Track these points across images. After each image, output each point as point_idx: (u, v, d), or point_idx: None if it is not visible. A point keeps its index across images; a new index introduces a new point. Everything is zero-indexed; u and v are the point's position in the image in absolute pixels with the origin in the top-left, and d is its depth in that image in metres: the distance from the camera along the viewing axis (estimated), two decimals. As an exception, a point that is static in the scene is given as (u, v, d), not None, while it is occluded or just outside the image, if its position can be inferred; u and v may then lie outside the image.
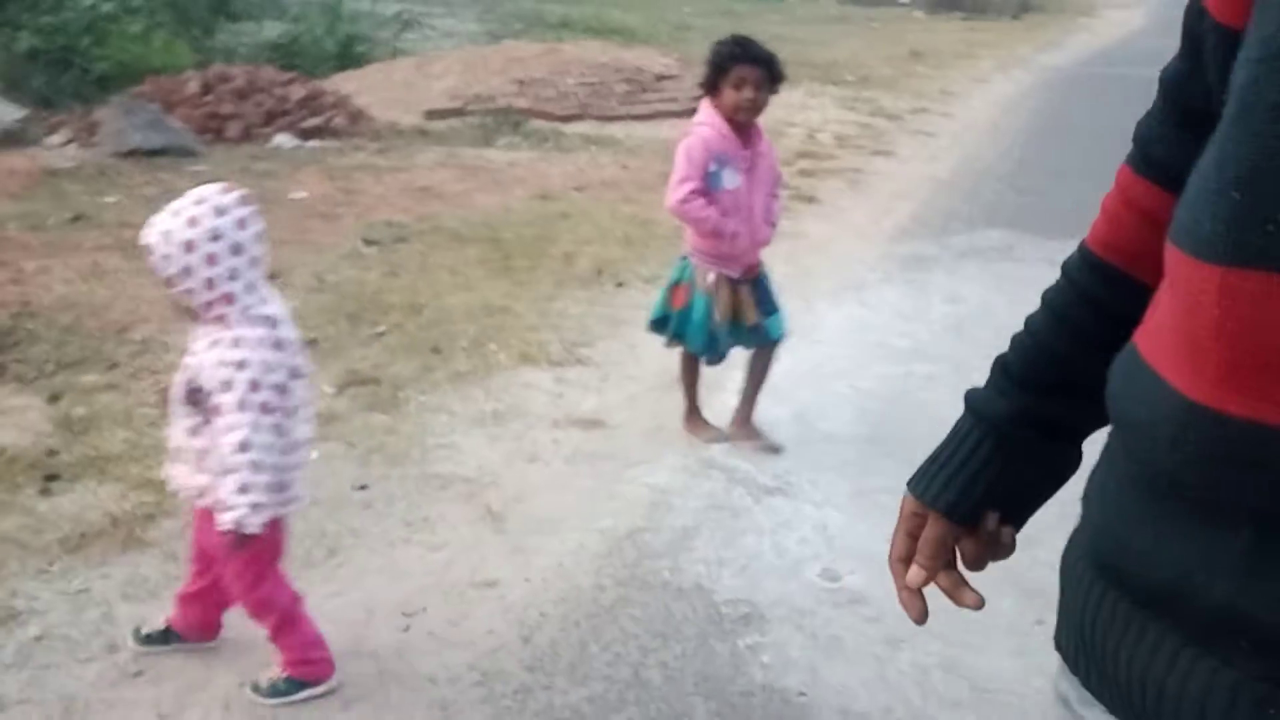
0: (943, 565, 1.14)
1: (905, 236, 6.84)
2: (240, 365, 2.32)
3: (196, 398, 2.37)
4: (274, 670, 2.63)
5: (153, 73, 9.99)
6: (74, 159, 7.73)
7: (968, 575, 1.15)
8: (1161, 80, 1.02)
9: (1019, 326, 1.15)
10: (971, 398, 1.16)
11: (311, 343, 4.58)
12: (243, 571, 2.53)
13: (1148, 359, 0.85)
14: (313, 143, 8.58)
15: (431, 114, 9.59)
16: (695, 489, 3.65)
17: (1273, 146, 0.73)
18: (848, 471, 3.78)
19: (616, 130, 9.45)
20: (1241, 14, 0.84)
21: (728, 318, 3.73)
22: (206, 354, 2.35)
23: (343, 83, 10.38)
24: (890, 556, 1.17)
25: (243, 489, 2.31)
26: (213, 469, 2.36)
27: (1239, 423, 0.75)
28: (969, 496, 1.11)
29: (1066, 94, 12.81)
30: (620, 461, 3.83)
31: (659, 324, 3.86)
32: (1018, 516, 1.14)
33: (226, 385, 2.32)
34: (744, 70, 3.54)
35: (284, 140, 8.51)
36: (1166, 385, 0.81)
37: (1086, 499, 0.94)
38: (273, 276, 5.38)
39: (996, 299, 5.57)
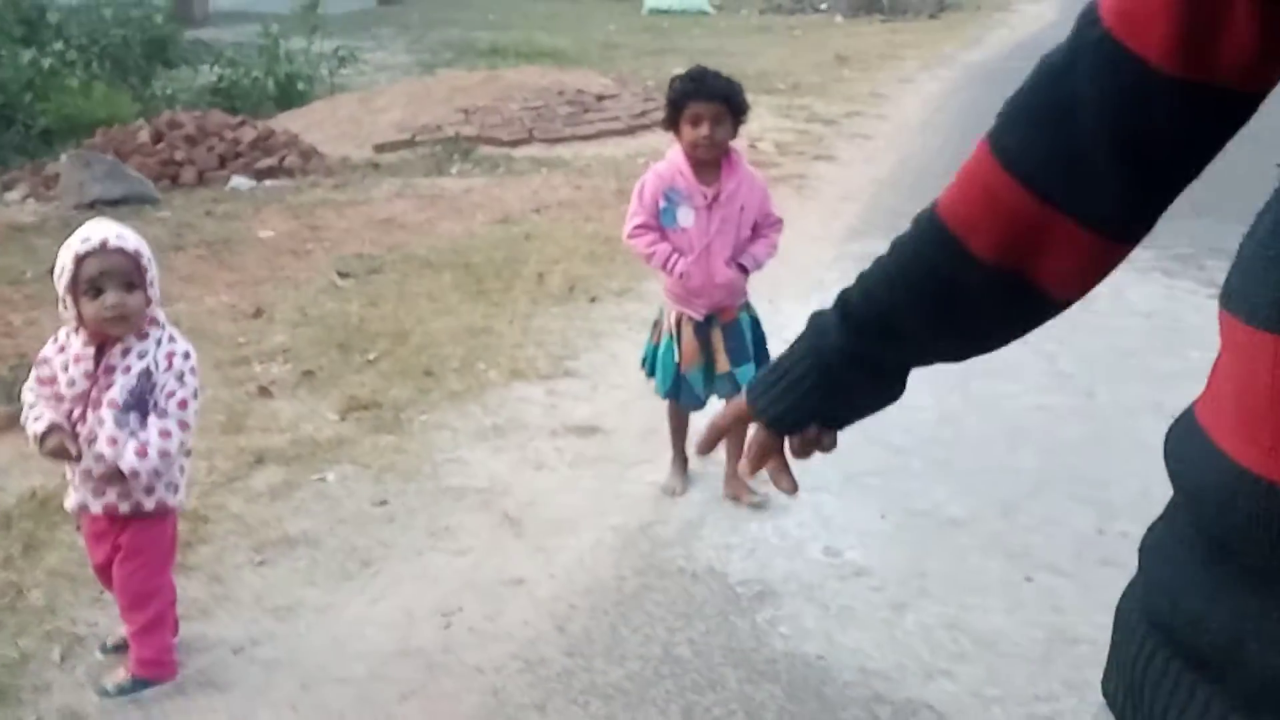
0: (770, 458, 1.28)
1: (856, 236, 7.14)
2: (187, 356, 2.65)
3: (145, 393, 2.60)
4: (120, 673, 2.83)
5: (97, 124, 10.09)
6: (35, 213, 7.82)
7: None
8: (1037, 67, 1.04)
9: None
10: (812, 322, 1.25)
11: (309, 374, 4.80)
12: (142, 566, 2.75)
13: (1203, 423, 0.84)
14: (269, 182, 8.72)
15: (381, 147, 9.77)
16: (696, 483, 3.89)
17: None
18: (835, 459, 3.99)
19: (564, 151, 9.69)
20: (1154, 46, 0.90)
21: (696, 362, 3.65)
22: (157, 352, 2.62)
23: (289, 121, 10.53)
24: (711, 421, 1.34)
25: (182, 441, 2.64)
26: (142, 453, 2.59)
27: None
28: (791, 413, 1.23)
29: (990, 88, 13.15)
30: (620, 463, 4.06)
31: (645, 362, 3.85)
32: (838, 425, 1.26)
33: (180, 377, 2.63)
34: (698, 107, 3.45)
35: (240, 182, 8.64)
36: (1218, 450, 0.80)
37: (1144, 551, 0.93)
38: (257, 313, 5.60)
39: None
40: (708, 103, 3.45)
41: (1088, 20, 0.96)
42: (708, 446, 1.36)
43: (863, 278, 1.21)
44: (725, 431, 1.34)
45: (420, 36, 19.46)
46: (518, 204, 7.96)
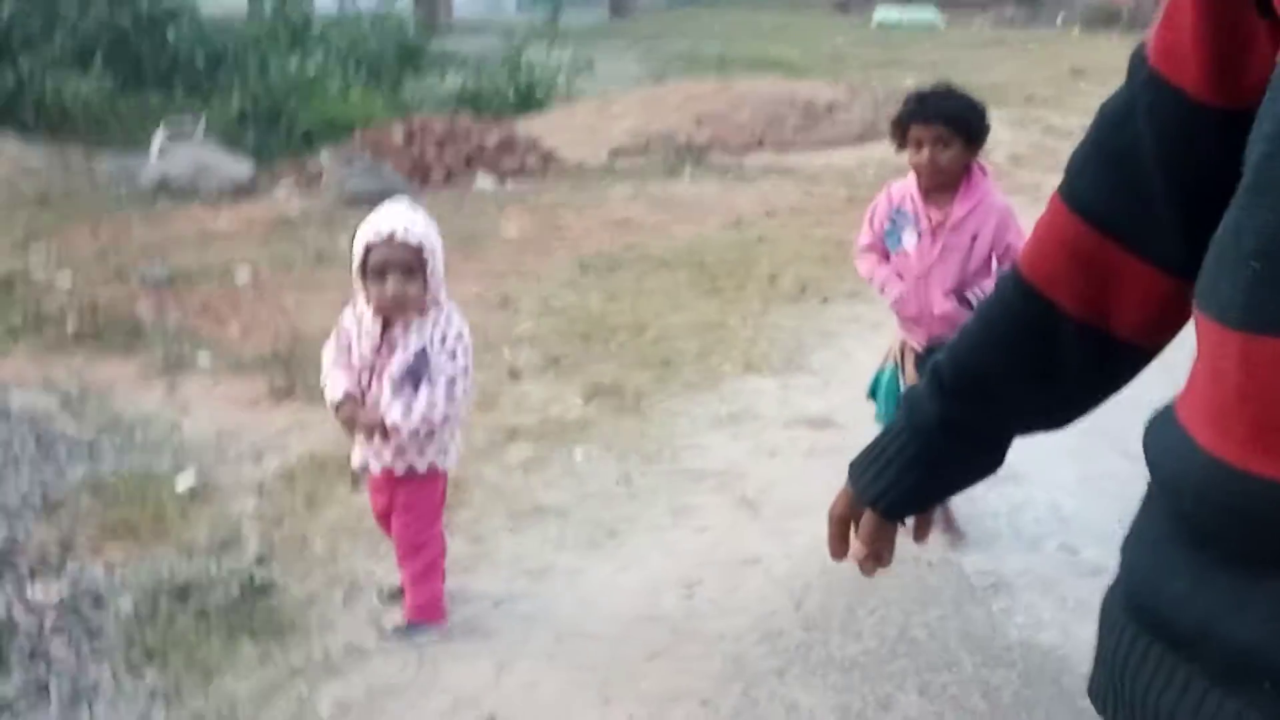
0: (881, 542, 1.26)
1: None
2: (460, 336, 2.88)
3: (421, 369, 2.83)
4: (397, 616, 3.09)
5: (352, 126, 10.76)
6: (301, 207, 8.41)
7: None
8: (1100, 112, 1.05)
9: None
10: (906, 396, 1.25)
11: (554, 360, 5.07)
12: (415, 519, 3.01)
13: (1181, 417, 0.87)
14: (510, 184, 9.14)
15: (616, 152, 10.09)
16: (928, 478, 3.95)
17: None
18: (1073, 460, 4.03)
19: (794, 159, 9.81)
20: (1190, 77, 0.91)
21: None
22: (434, 332, 2.86)
23: (529, 126, 10.98)
24: (830, 516, 1.29)
25: (445, 413, 2.85)
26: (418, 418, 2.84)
27: (1263, 482, 0.77)
28: (891, 491, 1.22)
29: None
30: (854, 456, 4.15)
31: (871, 386, 3.70)
32: (938, 500, 1.28)
33: (452, 355, 2.86)
34: (918, 130, 3.23)
35: (485, 182, 9.08)
36: (1193, 442, 0.83)
37: (1124, 545, 0.94)
38: (504, 304, 5.92)
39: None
40: (927, 125, 3.21)
41: (1138, 60, 0.98)
42: (839, 545, 1.30)
43: (952, 346, 1.21)
44: (845, 521, 1.28)
45: (651, 48, 19.89)
46: (749, 208, 8.12)
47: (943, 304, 3.33)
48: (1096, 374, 1.13)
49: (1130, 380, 1.14)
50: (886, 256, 3.41)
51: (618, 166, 9.79)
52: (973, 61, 16.98)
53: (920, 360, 3.40)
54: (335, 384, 2.94)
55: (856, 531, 1.27)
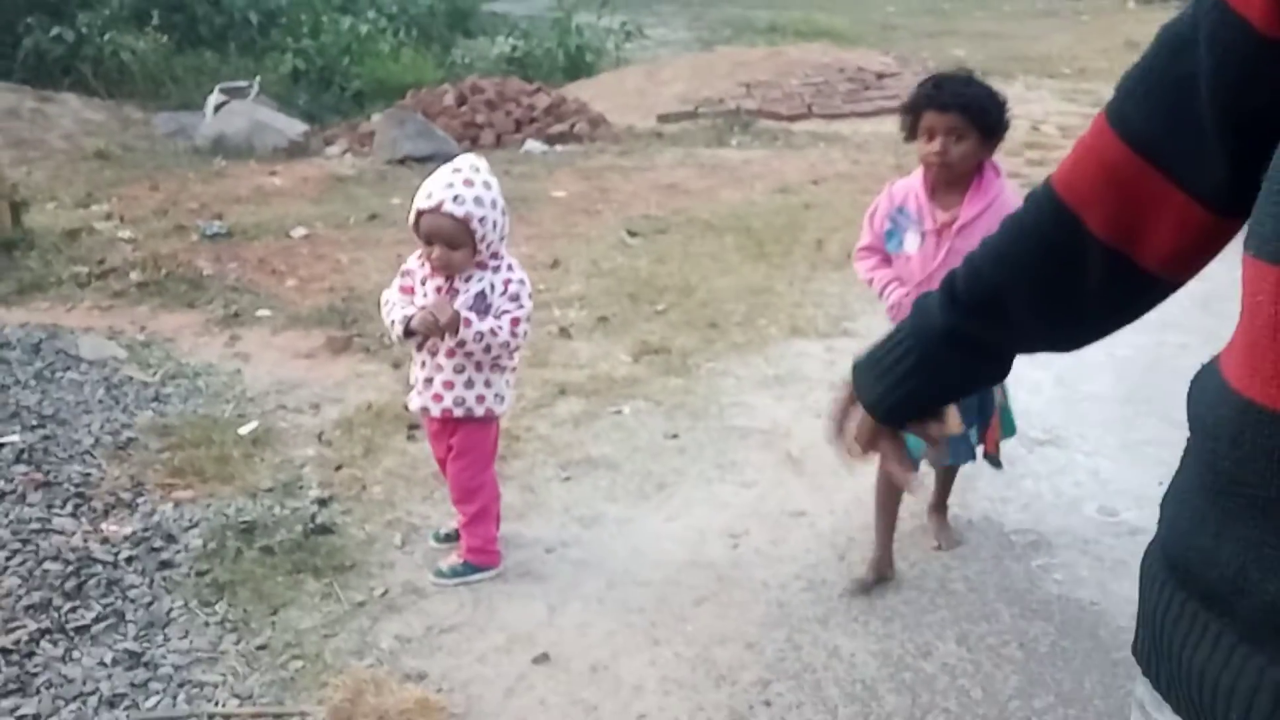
0: (877, 445, 1.27)
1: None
2: (522, 283, 3.01)
3: (482, 312, 2.96)
4: (453, 557, 3.21)
5: (403, 87, 10.87)
6: (353, 166, 8.55)
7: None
8: (1158, 36, 1.01)
9: None
10: (915, 305, 1.24)
11: (603, 320, 5.16)
12: (470, 464, 3.13)
13: (1221, 365, 0.86)
14: (559, 147, 9.23)
15: (665, 117, 10.15)
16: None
17: None
18: (1113, 427, 4.09)
19: (843, 127, 9.83)
20: (1256, 6, 0.87)
21: None
22: (494, 278, 2.98)
23: (578, 91, 11.05)
24: (829, 413, 1.33)
25: (505, 339, 2.96)
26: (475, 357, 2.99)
27: None
28: (890, 400, 1.23)
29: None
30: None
31: None
32: (938, 404, 1.27)
33: (515, 298, 2.98)
34: (931, 117, 2.90)
35: (534, 145, 9.18)
36: (1228, 386, 0.82)
37: (1163, 501, 0.94)
38: (554, 264, 6.02)
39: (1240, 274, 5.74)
40: (941, 113, 2.88)
41: None
42: (844, 438, 1.32)
43: (970, 257, 1.20)
44: (869, 440, 1.29)
45: (701, 14, 19.85)
46: (796, 175, 8.17)
47: None
48: (1113, 300, 1.11)
49: (1144, 312, 1.12)
50: (888, 260, 3.10)
51: (666, 131, 9.85)
52: (1025, 32, 16.86)
53: None
54: (400, 309, 3.02)
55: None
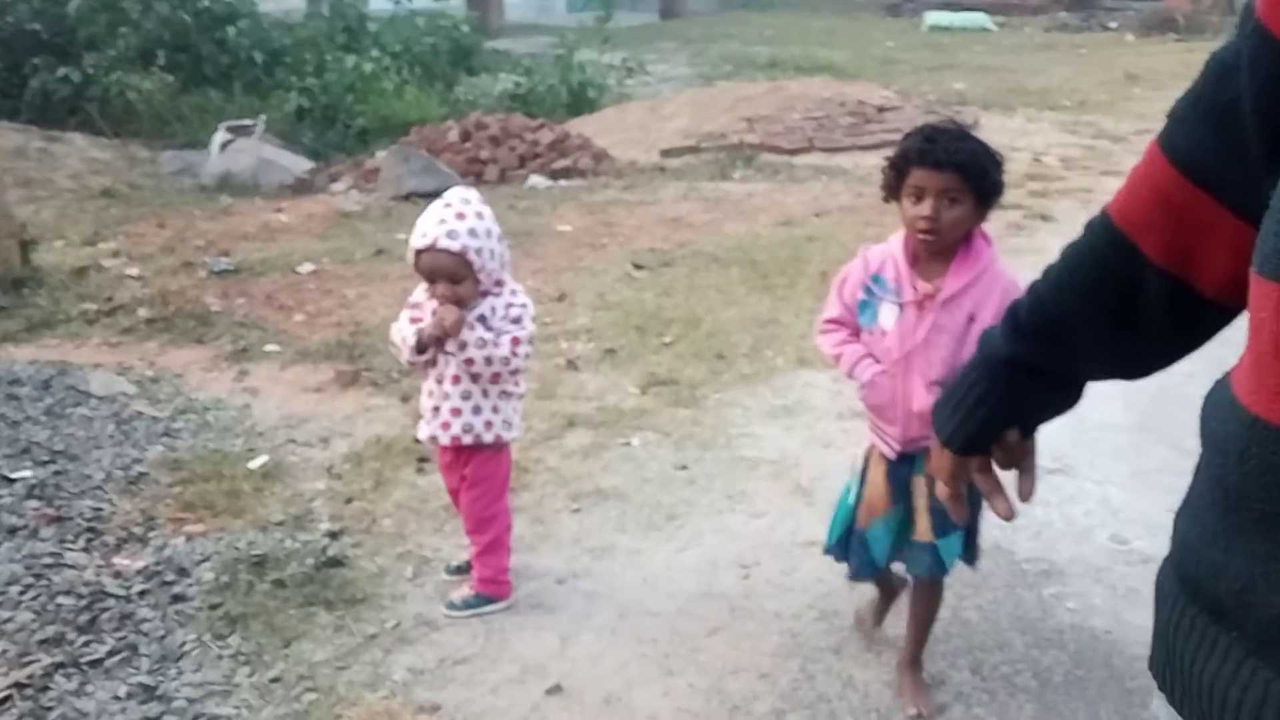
0: (964, 482, 1.31)
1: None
2: (524, 306, 3.04)
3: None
4: (465, 589, 3.21)
5: (407, 124, 10.92)
6: (359, 203, 8.58)
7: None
8: (1206, 64, 1.03)
9: None
10: (981, 338, 1.28)
11: (610, 352, 5.18)
12: (483, 493, 3.14)
13: (1230, 380, 0.87)
14: (563, 182, 9.27)
15: (667, 152, 10.19)
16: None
17: None
18: (1123, 455, 4.10)
19: (844, 160, 9.87)
20: None
21: (882, 514, 2.74)
22: (497, 302, 3.01)
23: (581, 126, 11.11)
24: (937, 473, 1.36)
25: (505, 355, 2.98)
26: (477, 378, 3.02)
27: None
28: (964, 431, 1.26)
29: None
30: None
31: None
32: (1025, 430, 1.29)
33: (516, 320, 3.02)
34: (922, 175, 2.49)
35: (538, 180, 9.22)
36: (1237, 402, 0.83)
37: (1176, 517, 0.96)
38: (560, 298, 6.03)
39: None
40: (935, 172, 2.47)
41: (1247, 10, 0.96)
42: (957, 505, 1.35)
43: (1033, 285, 1.22)
44: (952, 476, 1.32)
45: (701, 50, 19.97)
46: (799, 208, 8.20)
47: (924, 398, 2.58)
48: (1175, 327, 1.12)
49: (1206, 339, 1.13)
50: (858, 335, 2.71)
51: (669, 166, 9.90)
52: (1024, 65, 16.95)
53: (892, 469, 2.72)
54: (407, 329, 3.04)
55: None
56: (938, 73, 16.10)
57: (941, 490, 1.35)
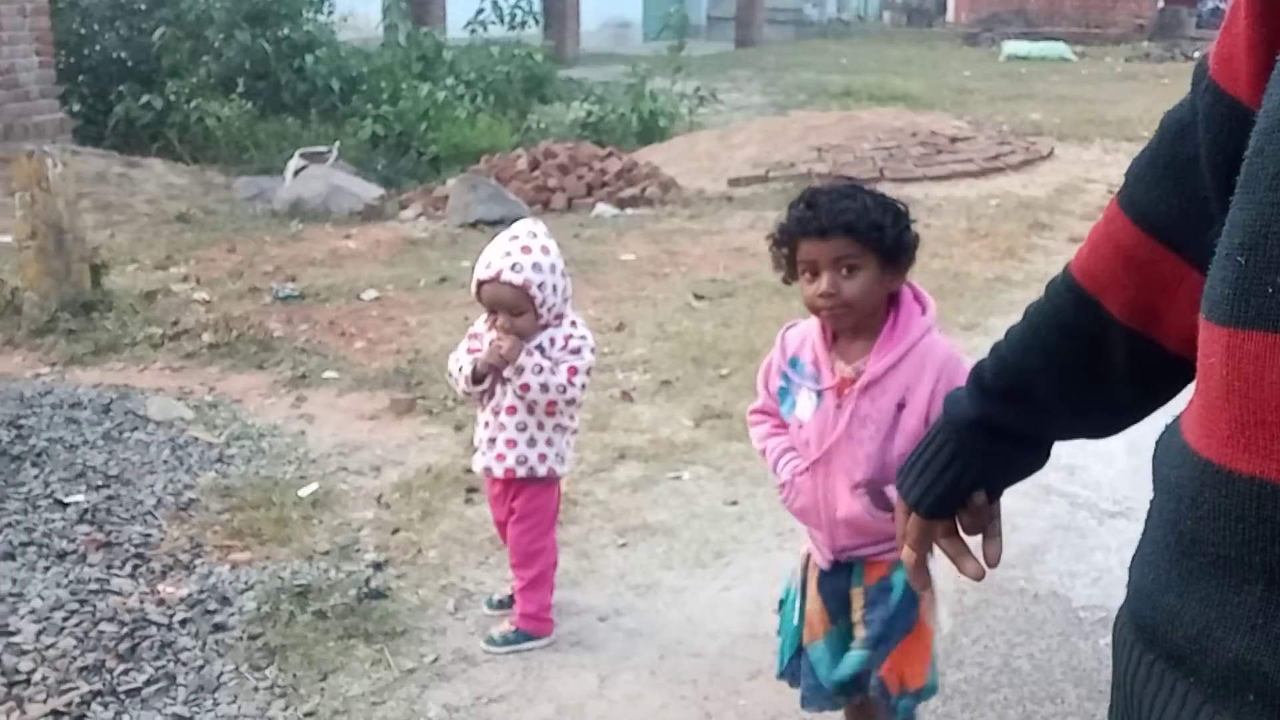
0: (929, 545, 1.29)
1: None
2: (584, 338, 3.02)
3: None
4: (506, 625, 3.17)
5: (479, 152, 11.00)
6: (427, 230, 8.65)
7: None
8: (1162, 122, 1.05)
9: None
10: (947, 400, 1.28)
11: (666, 383, 5.14)
12: (531, 527, 3.11)
13: (1181, 424, 0.87)
14: (630, 210, 9.27)
15: (736, 181, 10.16)
16: (1038, 511, 3.92)
17: (1272, 214, 0.75)
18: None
19: (915, 190, 9.75)
20: (1243, 85, 0.89)
21: (823, 636, 2.40)
22: (557, 333, 3.00)
23: (650, 155, 11.11)
24: (905, 538, 1.32)
25: (561, 384, 2.98)
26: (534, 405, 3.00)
27: (1245, 480, 0.76)
28: (932, 495, 1.25)
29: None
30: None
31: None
32: (991, 495, 1.27)
33: (575, 351, 2.99)
34: (811, 248, 2.17)
35: (604, 209, 9.23)
36: (1188, 446, 0.84)
37: (1131, 564, 0.95)
38: (619, 327, 6.01)
39: None
40: (821, 240, 2.16)
41: (1200, 70, 0.97)
42: (920, 573, 1.33)
43: (996, 347, 1.22)
44: (918, 540, 1.30)
45: (775, 79, 19.93)
46: (867, 239, 8.10)
47: (849, 503, 2.27)
48: (1142, 383, 1.13)
49: (1176, 394, 1.11)
50: (785, 426, 2.39)
51: (736, 195, 9.85)
52: (1102, 95, 16.70)
53: (825, 579, 2.39)
54: (465, 359, 3.06)
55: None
56: (1014, 102, 15.90)
57: (908, 555, 1.31)
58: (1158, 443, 0.93)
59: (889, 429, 2.23)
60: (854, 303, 2.17)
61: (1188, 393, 0.91)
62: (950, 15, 31.30)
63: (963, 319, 6.03)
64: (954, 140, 11.03)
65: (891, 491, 2.06)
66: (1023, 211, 8.84)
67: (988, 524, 1.29)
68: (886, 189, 8.71)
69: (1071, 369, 1.14)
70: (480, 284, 2.94)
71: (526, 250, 2.91)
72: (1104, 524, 3.83)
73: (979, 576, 1.28)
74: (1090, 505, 3.95)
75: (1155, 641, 0.88)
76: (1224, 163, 0.92)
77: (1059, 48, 23.42)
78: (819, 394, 2.26)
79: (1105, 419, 1.20)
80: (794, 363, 2.32)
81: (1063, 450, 4.11)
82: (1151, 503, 0.93)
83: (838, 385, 2.24)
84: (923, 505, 1.27)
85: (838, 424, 2.24)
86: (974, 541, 1.31)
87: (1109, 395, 1.15)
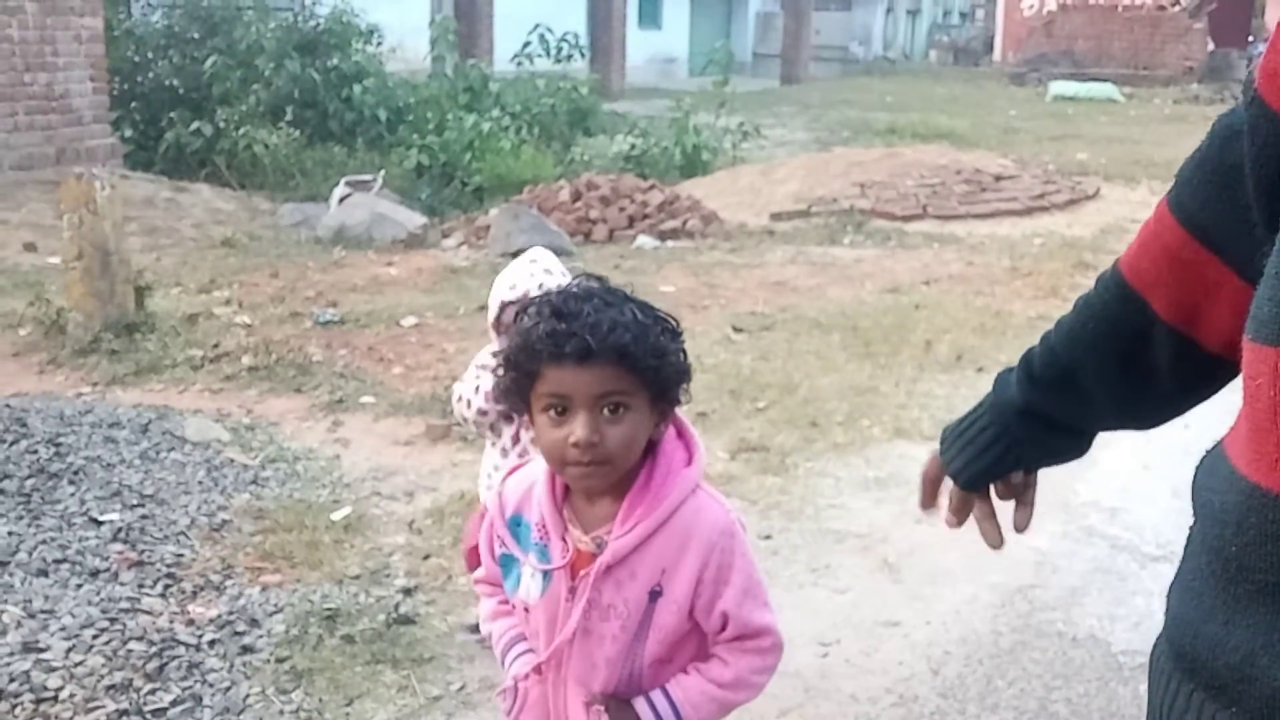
0: (968, 512, 1.36)
1: None
2: None
3: None
4: None
5: (522, 183, 11.09)
6: (468, 258, 8.69)
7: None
8: (1214, 126, 1.07)
9: None
10: (996, 381, 1.32)
11: (702, 415, 5.09)
12: None
13: (1226, 448, 0.87)
14: (671, 243, 9.27)
15: (778, 216, 10.15)
16: (1079, 553, 3.85)
17: None
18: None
19: (958, 228, 9.71)
20: None
21: None
22: None
23: (693, 188, 11.14)
24: (922, 474, 1.41)
25: None
26: None
27: None
28: (973, 465, 1.32)
29: None
30: (1002, 525, 4.07)
31: None
32: (1029, 471, 1.34)
33: None
34: (560, 379, 1.50)
35: (645, 241, 9.24)
36: (1235, 471, 0.82)
37: (1169, 592, 0.93)
38: (657, 359, 5.98)
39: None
40: (581, 368, 1.48)
41: (1248, 81, 0.96)
42: (929, 500, 1.41)
43: (1046, 336, 1.26)
44: (935, 481, 1.38)
45: (819, 115, 19.97)
46: (907, 275, 8.07)
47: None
48: (1183, 380, 1.15)
49: (1216, 391, 1.14)
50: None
51: (778, 229, 9.85)
52: (1150, 136, 16.59)
53: None
54: (468, 389, 3.04)
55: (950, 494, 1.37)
56: (1060, 142, 15.83)
57: (948, 518, 1.38)
58: (1198, 468, 0.92)
59: (638, 625, 1.61)
60: (617, 456, 1.53)
61: (1232, 413, 0.89)
62: (997, 55, 31.28)
63: (1004, 357, 5.95)
64: (999, 178, 10.98)
65: (641, 706, 1.62)
66: (1067, 251, 8.77)
67: (1022, 493, 1.35)
68: (930, 225, 8.64)
69: (1117, 363, 1.17)
70: (504, 305, 2.91)
71: (549, 272, 2.90)
72: (1146, 568, 3.75)
73: (998, 545, 1.35)
74: (1132, 548, 3.88)
75: (1195, 671, 0.86)
76: (1265, 176, 0.93)
77: (1107, 88, 23.33)
78: (547, 574, 1.62)
79: (1148, 412, 1.22)
80: (515, 523, 1.67)
81: (1105, 491, 4.05)
82: (1192, 529, 0.91)
83: (570, 564, 1.61)
84: (961, 477, 1.33)
85: (571, 612, 1.60)
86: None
87: (1152, 390, 1.17)
